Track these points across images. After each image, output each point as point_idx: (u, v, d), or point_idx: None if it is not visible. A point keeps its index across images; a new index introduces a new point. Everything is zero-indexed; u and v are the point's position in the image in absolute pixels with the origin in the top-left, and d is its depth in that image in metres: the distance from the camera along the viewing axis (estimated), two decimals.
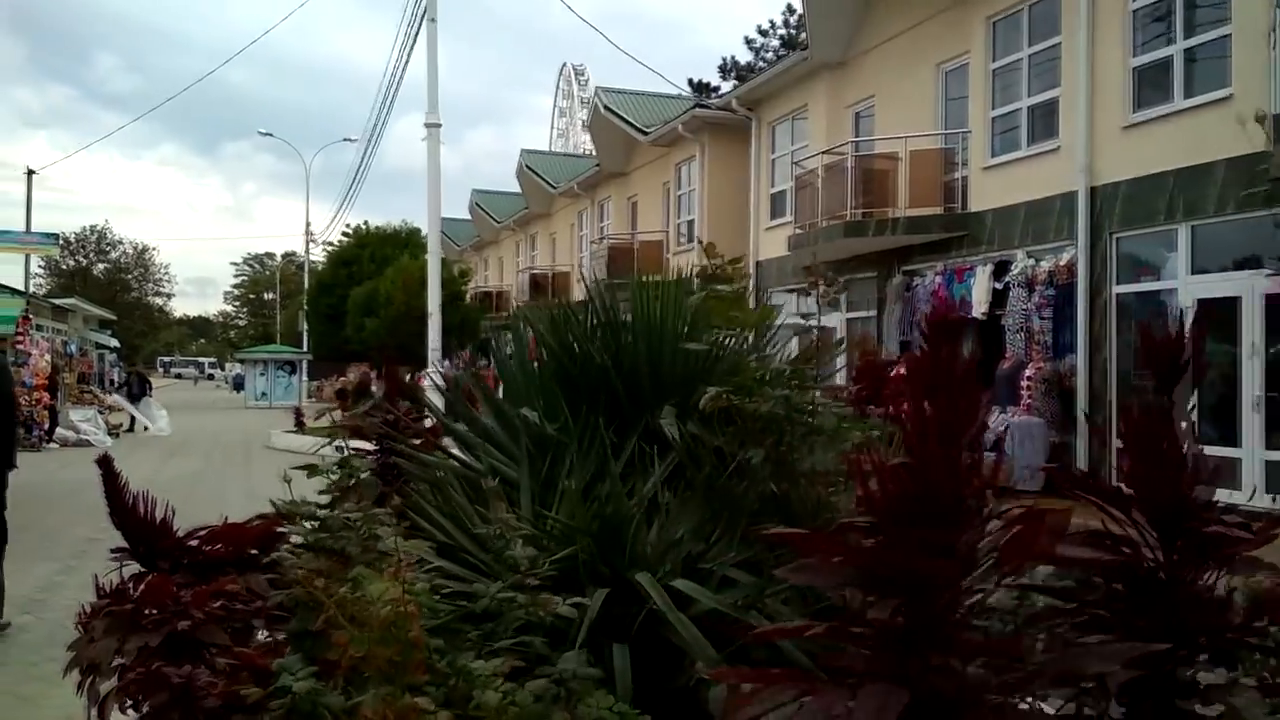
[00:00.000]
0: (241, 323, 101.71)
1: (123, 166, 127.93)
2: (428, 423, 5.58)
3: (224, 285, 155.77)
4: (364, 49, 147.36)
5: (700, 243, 4.44)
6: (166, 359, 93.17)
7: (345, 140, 57.16)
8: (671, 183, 25.14)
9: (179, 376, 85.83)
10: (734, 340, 3.82)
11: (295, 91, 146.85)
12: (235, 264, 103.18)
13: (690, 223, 24.07)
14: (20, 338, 21.16)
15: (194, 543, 4.15)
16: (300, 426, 22.09)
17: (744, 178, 22.09)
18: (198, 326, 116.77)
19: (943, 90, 16.13)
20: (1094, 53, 12.81)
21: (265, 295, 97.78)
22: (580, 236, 32.76)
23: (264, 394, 48.80)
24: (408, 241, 24.54)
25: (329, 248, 68.69)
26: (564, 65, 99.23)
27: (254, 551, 4.45)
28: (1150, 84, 12.48)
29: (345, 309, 22.59)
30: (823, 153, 16.90)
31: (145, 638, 3.48)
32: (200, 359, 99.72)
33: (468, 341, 24.56)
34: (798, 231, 17.36)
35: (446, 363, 32.92)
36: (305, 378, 51.97)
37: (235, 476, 16.13)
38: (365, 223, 67.63)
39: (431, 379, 16.25)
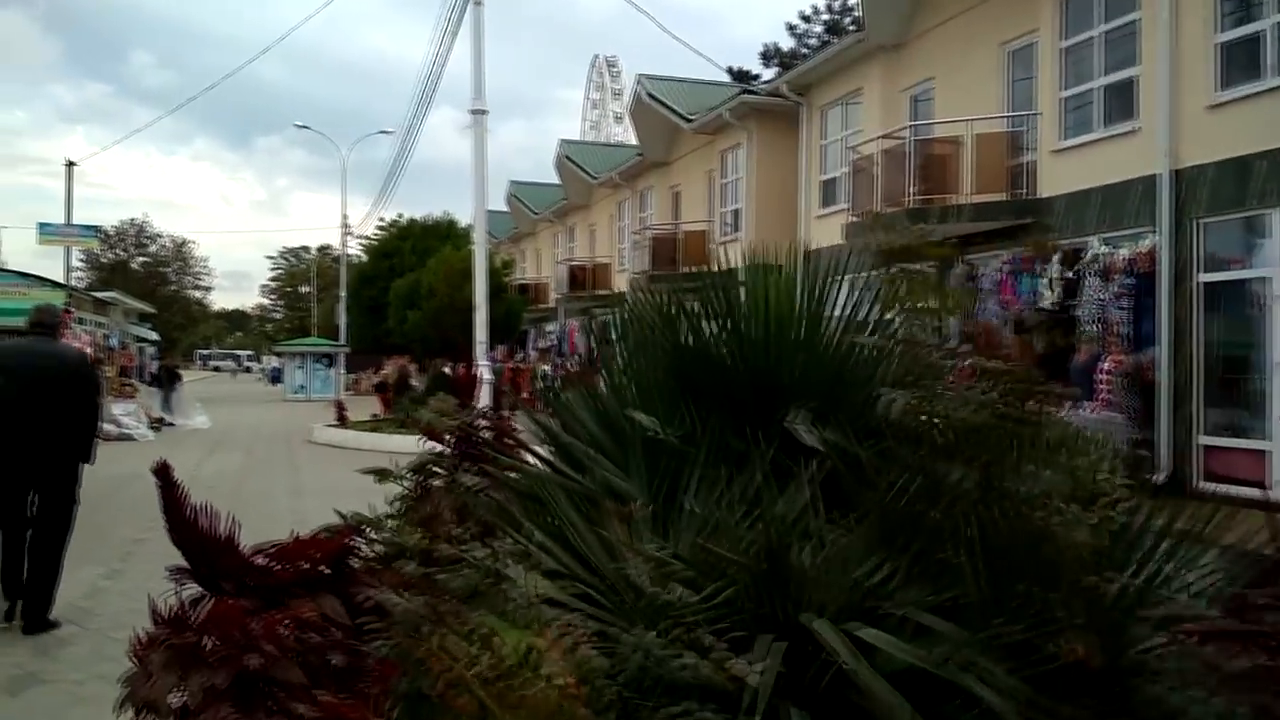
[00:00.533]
0: (278, 316, 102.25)
1: (159, 162, 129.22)
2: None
3: (258, 279, 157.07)
4: (394, 44, 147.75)
5: (866, 215, 3.89)
6: (204, 352, 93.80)
7: (381, 132, 57.03)
8: (716, 171, 24.58)
9: (217, 369, 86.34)
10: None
11: (326, 87, 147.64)
12: (271, 257, 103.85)
13: (736, 212, 23.52)
14: (62, 331, 20.99)
15: (260, 560, 3.71)
16: (342, 421, 21.79)
17: (793, 165, 21.50)
18: (234, 320, 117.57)
19: (1007, 71, 15.47)
20: (1177, 28, 12.13)
21: (301, 288, 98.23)
22: (621, 227, 32.28)
23: (302, 387, 48.78)
24: (448, 233, 24.15)
25: (364, 241, 69.11)
26: (595, 58, 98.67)
27: (325, 569, 3.99)
28: (1238, 61, 11.79)
29: (387, 301, 22.21)
30: (881, 137, 16.30)
31: (210, 676, 3.02)
32: (238, 351, 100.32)
33: (512, 334, 24.14)
34: (853, 219, 16.77)
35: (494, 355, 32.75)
36: (343, 370, 52.07)
37: (279, 472, 15.82)
38: (400, 215, 67.67)
39: (480, 372, 15.93)
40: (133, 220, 64.37)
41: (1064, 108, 14.19)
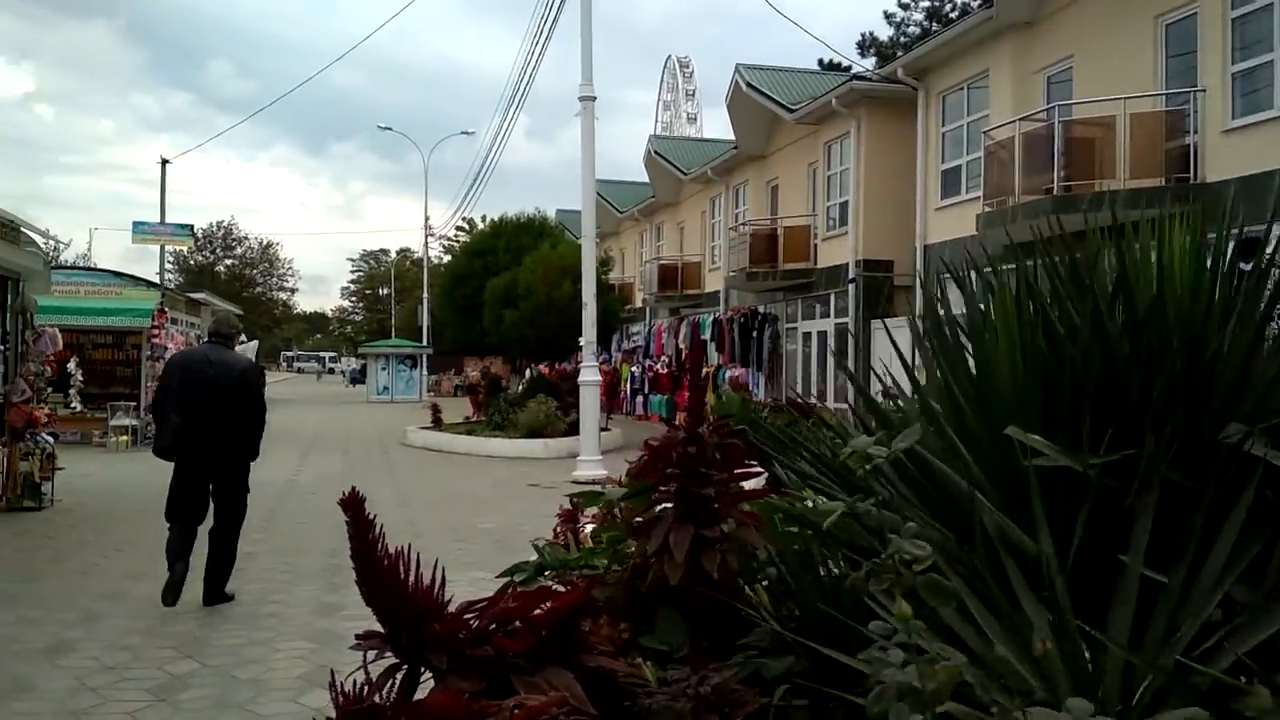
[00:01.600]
0: (357, 318, 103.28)
1: (239, 168, 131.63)
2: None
3: (335, 282, 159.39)
4: (465, 49, 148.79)
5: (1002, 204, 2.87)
6: (289, 354, 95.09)
7: (463, 133, 57.03)
8: (820, 163, 23.47)
9: (300, 370, 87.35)
10: None
11: (398, 92, 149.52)
12: (352, 260, 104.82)
13: (843, 205, 22.39)
14: (156, 331, 20.73)
15: (473, 621, 2.83)
16: (437, 423, 21.20)
17: (907, 154, 20.33)
18: (314, 322, 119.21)
19: (1161, 46, 14.16)
20: None
21: (380, 290, 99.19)
22: (713, 224, 31.31)
23: (386, 388, 48.84)
24: (540, 230, 23.38)
25: (445, 242, 69.31)
26: (668, 58, 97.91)
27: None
28: None
29: (481, 301, 21.52)
30: (1019, 119, 15.08)
31: None
32: (321, 353, 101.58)
33: (610, 334, 23.32)
34: (987, 209, 15.58)
35: (604, 356, 32.00)
36: (425, 372, 52.00)
37: (380, 478, 15.19)
38: (484, 216, 67.63)
39: (585, 374, 15.12)
40: (220, 223, 65.28)
41: (1234, 85, 12.86)
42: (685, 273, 31.93)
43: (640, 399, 32.50)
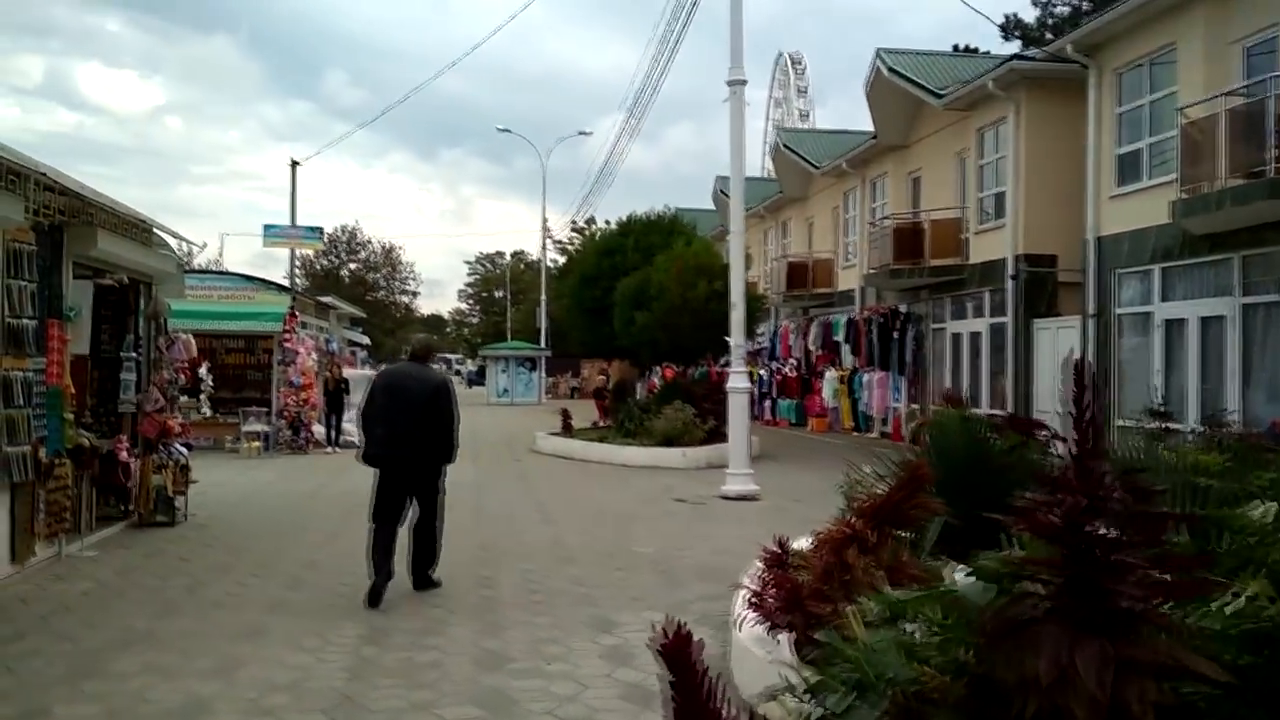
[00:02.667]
0: (474, 320, 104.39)
1: (359, 175, 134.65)
2: None
3: (449, 285, 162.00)
4: (576, 54, 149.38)
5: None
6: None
7: (581, 133, 56.60)
8: (970, 151, 21.86)
9: None
10: None
11: (509, 97, 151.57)
12: (468, 262, 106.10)
13: (998, 196, 20.76)
14: (287, 335, 20.48)
15: None
16: (567, 429, 20.40)
17: (1073, 139, 18.65)
18: (431, 325, 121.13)
19: None
20: None
21: (495, 293, 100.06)
22: (847, 219, 29.85)
23: (505, 390, 48.68)
24: (671, 228, 22.37)
25: (560, 244, 69.14)
26: (779, 55, 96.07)
27: None
28: None
29: (610, 302, 20.63)
30: (1225, 94, 13.39)
31: None
32: (449, 355, 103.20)
33: (748, 336, 22.20)
34: (1183, 196, 13.91)
35: (793, 362, 30.94)
36: (543, 374, 51.72)
37: (514, 487, 14.40)
38: (589, 220, 67.18)
39: (734, 382, 14.04)
40: (344, 227, 66.32)
41: None
42: (816, 271, 30.56)
43: (767, 403, 31.27)
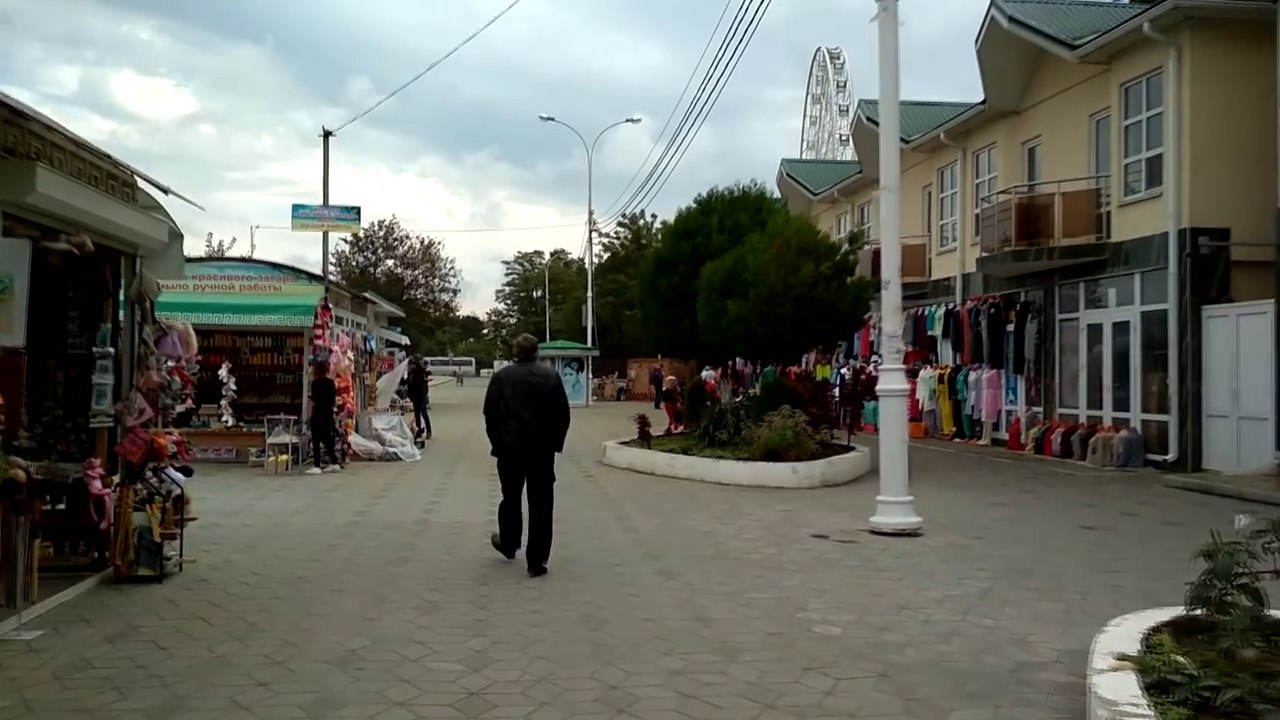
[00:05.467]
0: (512, 321, 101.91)
1: (390, 180, 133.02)
2: None
3: (481, 289, 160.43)
4: (601, 57, 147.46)
5: None
6: (449, 358, 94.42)
7: (629, 120, 53.78)
8: (1112, 110, 18.66)
9: (455, 374, 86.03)
10: None
11: (537, 101, 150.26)
12: (506, 262, 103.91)
13: (1151, 160, 17.58)
14: (319, 331, 17.69)
15: None
16: (645, 439, 17.40)
17: (1254, 91, 15.51)
18: (467, 326, 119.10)
19: None
20: None
21: (534, 293, 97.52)
22: (942, 199, 26.70)
23: None
24: (759, 204, 19.37)
25: (605, 239, 66.28)
26: (816, 50, 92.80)
27: None
28: None
29: (691, 290, 17.66)
30: None
31: None
32: (460, 359, 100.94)
33: (856, 329, 19.12)
34: None
35: (877, 360, 27.85)
36: (590, 375, 48.77)
37: (598, 514, 11.43)
38: (640, 213, 64.14)
39: (887, 384, 10.98)
40: (382, 222, 63.80)
41: None
42: (904, 258, 27.31)
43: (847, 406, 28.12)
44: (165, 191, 8.45)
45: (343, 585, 7.83)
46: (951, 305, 24.63)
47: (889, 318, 10.84)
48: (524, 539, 8.63)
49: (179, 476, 8.55)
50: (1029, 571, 8.43)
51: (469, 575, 8.22)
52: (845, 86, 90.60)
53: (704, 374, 29.07)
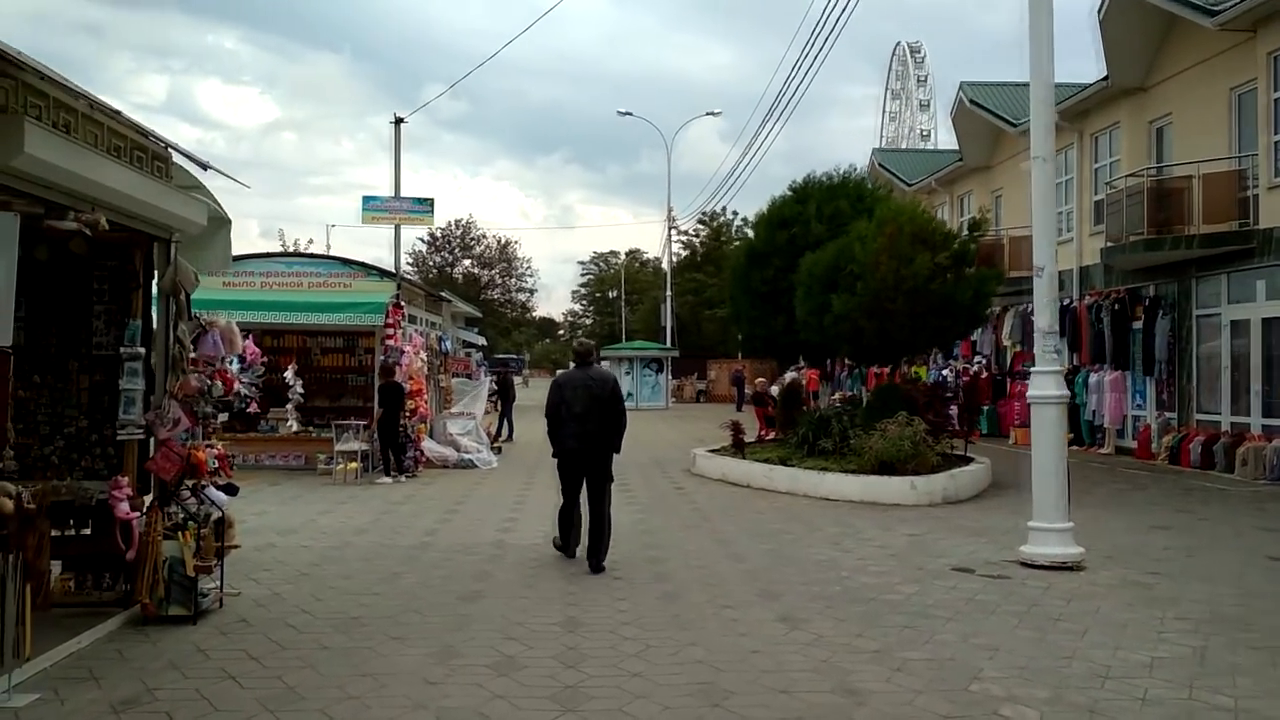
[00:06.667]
0: (587, 321, 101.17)
1: (466, 183, 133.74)
2: None
3: (554, 290, 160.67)
4: (670, 61, 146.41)
5: None
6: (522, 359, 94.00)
7: (709, 114, 52.40)
8: (1261, 83, 16.66)
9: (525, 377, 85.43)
10: None
11: (611, 102, 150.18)
12: (581, 263, 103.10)
13: None
14: (390, 330, 16.60)
15: None
16: (739, 448, 15.94)
17: None
18: (543, 327, 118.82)
19: None
20: None
21: (610, 293, 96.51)
22: (1055, 186, 24.69)
23: (629, 394, 44.52)
24: (860, 191, 17.77)
25: (684, 237, 64.89)
26: (896, 45, 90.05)
27: None
28: None
29: (787, 284, 16.15)
30: None
31: None
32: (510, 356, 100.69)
33: (976, 325, 17.40)
34: None
35: (980, 360, 26.10)
36: (669, 377, 47.39)
37: (697, 537, 10.04)
38: (721, 210, 62.63)
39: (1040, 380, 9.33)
40: (458, 221, 63.26)
41: None
42: (1011, 250, 25.45)
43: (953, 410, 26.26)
44: (204, 167, 7.29)
45: (404, 630, 6.56)
46: (1068, 301, 22.66)
47: (1042, 311, 9.29)
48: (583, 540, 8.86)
49: (221, 497, 7.38)
50: (1241, 622, 6.81)
51: (552, 618, 6.89)
52: (926, 81, 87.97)
53: (789, 374, 27.53)
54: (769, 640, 6.35)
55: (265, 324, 16.47)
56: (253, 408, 16.96)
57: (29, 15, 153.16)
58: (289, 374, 16.85)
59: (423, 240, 63.50)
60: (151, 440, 7.10)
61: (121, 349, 6.98)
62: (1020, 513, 11.78)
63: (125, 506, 6.72)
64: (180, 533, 6.80)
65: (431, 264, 60.60)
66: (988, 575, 8.41)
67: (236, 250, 9.09)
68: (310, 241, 64.30)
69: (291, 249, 41.74)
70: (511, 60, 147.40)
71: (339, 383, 18.68)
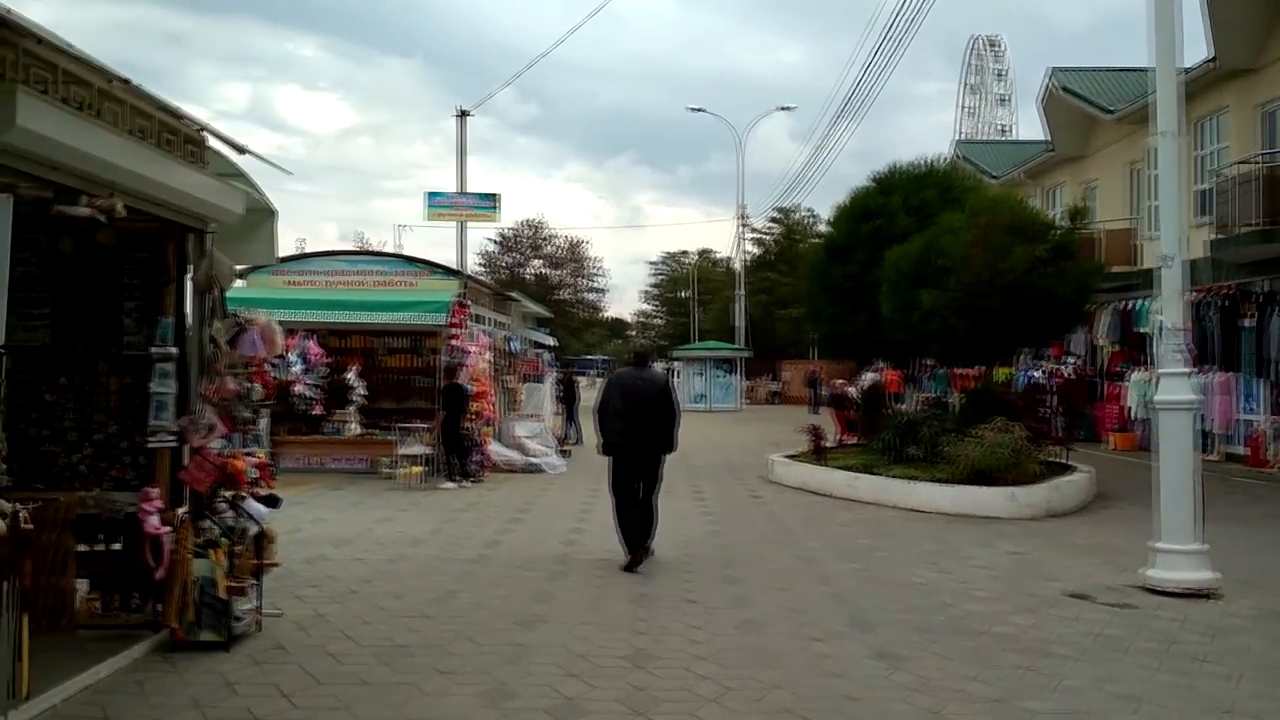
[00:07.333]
0: (659, 322, 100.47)
1: (538, 186, 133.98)
2: None
3: (624, 291, 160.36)
4: (738, 60, 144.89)
5: None
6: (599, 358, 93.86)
7: (782, 108, 51.37)
8: None
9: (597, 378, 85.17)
10: None
11: (673, 105, 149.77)
12: (652, 263, 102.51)
13: None
14: (455, 330, 16.04)
15: None
16: (819, 454, 15.04)
17: None
18: (614, 328, 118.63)
19: None
20: None
21: (680, 293, 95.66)
22: (1153, 176, 23.26)
23: (701, 396, 43.67)
24: (948, 181, 16.72)
25: (756, 235, 63.84)
26: (973, 39, 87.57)
27: None
28: None
29: (870, 280, 15.20)
30: None
31: None
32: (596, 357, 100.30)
33: (1078, 323, 16.22)
34: None
35: (1073, 360, 24.88)
36: (742, 378, 46.42)
37: (778, 553, 9.20)
38: (795, 206, 61.42)
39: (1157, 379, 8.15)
40: (529, 221, 63.06)
41: None
42: (1107, 245, 24.03)
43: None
44: (241, 151, 6.69)
45: (453, 663, 5.87)
46: None
47: (1170, 306, 8.22)
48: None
49: (261, 510, 6.78)
50: None
51: (618, 650, 6.15)
52: (1005, 75, 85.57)
53: (867, 375, 26.43)
54: (866, 683, 5.53)
55: (328, 324, 16.07)
56: (316, 409, 16.75)
57: (117, 25, 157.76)
58: (351, 375, 16.41)
59: (493, 241, 63.43)
60: (185, 448, 6.54)
61: (152, 349, 6.42)
62: (1135, 528, 10.77)
63: (155, 520, 6.15)
64: (212, 550, 6.21)
65: (502, 264, 60.44)
66: (1110, 603, 7.45)
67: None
68: (383, 242, 64.72)
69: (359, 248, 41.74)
70: (581, 62, 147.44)
71: (404, 384, 18.21)
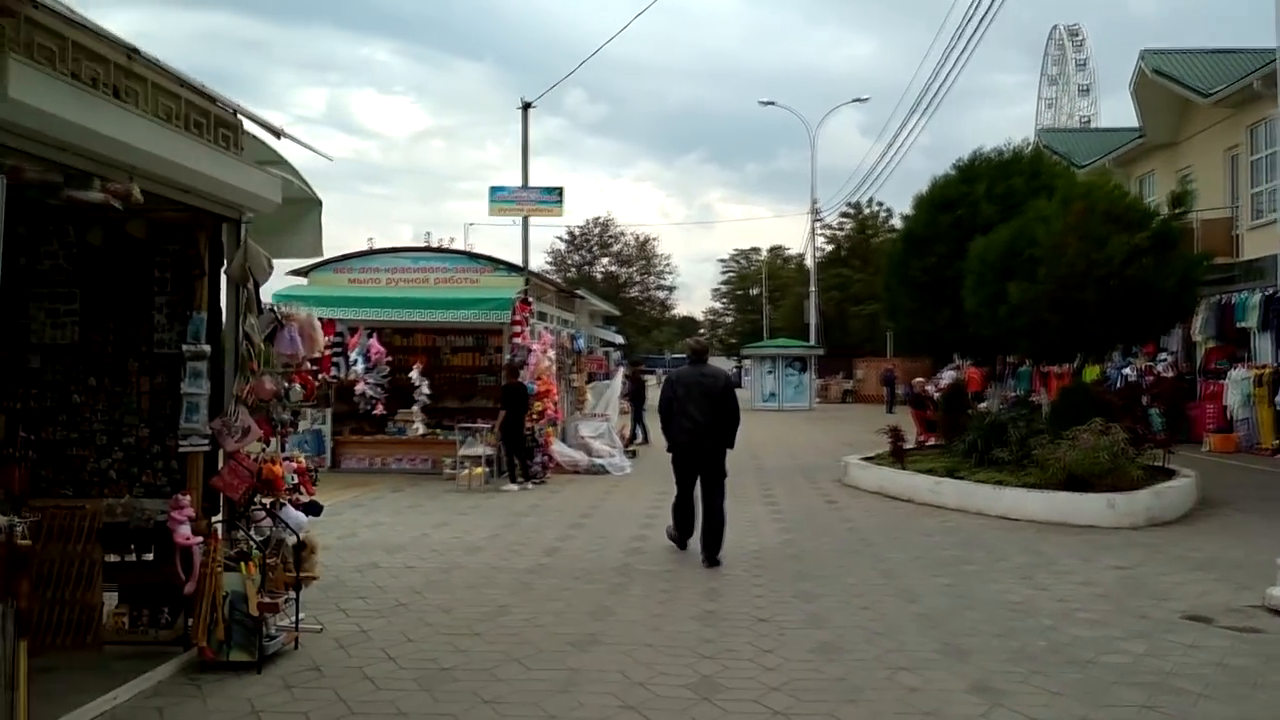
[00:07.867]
0: (729, 319, 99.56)
1: (608, 185, 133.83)
2: None
3: (694, 290, 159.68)
4: (808, 56, 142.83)
5: None
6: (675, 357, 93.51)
7: (855, 100, 50.28)
8: None
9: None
10: None
11: (742, 102, 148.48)
12: (722, 260, 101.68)
13: None
14: (518, 327, 15.60)
15: None
16: (899, 457, 14.25)
17: None
18: (684, 326, 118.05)
19: None
20: None
21: (751, 290, 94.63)
22: (1253, 163, 21.99)
23: (772, 394, 42.82)
24: (1036, 168, 15.78)
25: (828, 230, 62.65)
26: (1053, 29, 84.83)
27: None
28: None
29: (951, 273, 14.37)
30: None
31: None
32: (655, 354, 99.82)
33: (1183, 317, 15.18)
34: None
35: (1168, 357, 23.78)
36: (814, 376, 45.43)
37: (858, 567, 8.51)
38: (868, 201, 60.13)
39: None
40: (597, 219, 62.80)
41: None
42: (1203, 236, 22.71)
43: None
44: (277, 135, 6.29)
45: (499, 690, 5.34)
46: (1272, 290, 19.95)
47: None
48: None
49: (300, 518, 6.34)
50: None
51: (682, 677, 5.56)
52: (1086, 65, 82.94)
53: (946, 373, 25.42)
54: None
55: (390, 322, 15.79)
56: (378, 409, 16.47)
57: (200, 34, 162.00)
58: (414, 374, 16.09)
59: (561, 239, 63.26)
60: (219, 453, 6.13)
61: (184, 346, 6.01)
62: (1250, 540, 9.88)
63: (186, 530, 5.75)
64: (244, 563, 5.78)
65: (570, 262, 60.24)
66: (1233, 627, 6.64)
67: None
68: (451, 240, 65.04)
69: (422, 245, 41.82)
70: (649, 61, 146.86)
71: (469, 383, 17.88)
